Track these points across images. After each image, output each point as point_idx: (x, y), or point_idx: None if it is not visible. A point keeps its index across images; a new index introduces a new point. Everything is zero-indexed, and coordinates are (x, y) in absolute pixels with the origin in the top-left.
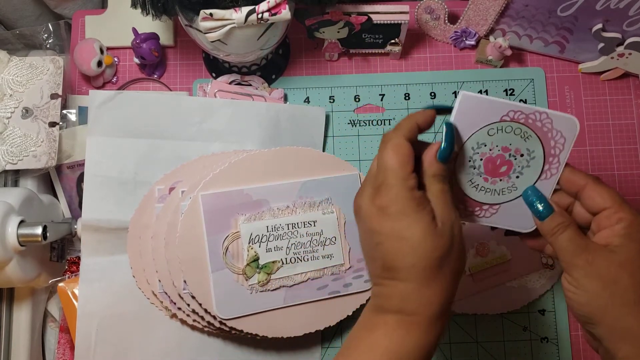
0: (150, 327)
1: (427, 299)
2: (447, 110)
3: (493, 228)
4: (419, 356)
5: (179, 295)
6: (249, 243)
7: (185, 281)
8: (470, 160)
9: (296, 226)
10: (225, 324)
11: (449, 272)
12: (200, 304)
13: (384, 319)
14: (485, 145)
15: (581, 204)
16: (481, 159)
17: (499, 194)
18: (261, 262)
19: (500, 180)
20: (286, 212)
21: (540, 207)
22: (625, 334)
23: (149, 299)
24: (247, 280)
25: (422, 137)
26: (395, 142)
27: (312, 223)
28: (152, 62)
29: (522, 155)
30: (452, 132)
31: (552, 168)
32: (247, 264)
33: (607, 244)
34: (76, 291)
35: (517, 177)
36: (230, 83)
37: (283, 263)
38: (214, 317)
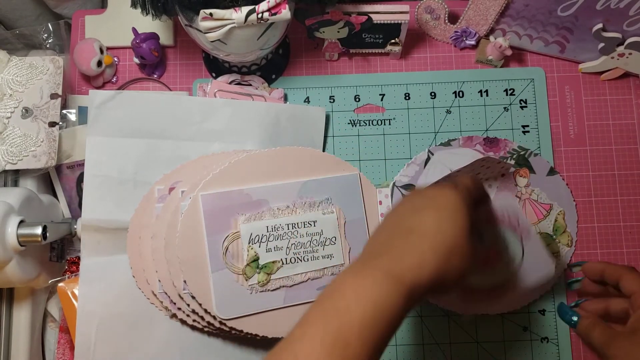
0: (150, 327)
1: (427, 273)
2: None
3: None
4: (395, 321)
5: (179, 295)
6: (249, 243)
7: (185, 281)
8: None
9: (296, 226)
10: (225, 324)
11: (454, 271)
12: (200, 304)
13: (379, 273)
14: None
15: (621, 289)
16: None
17: None
18: (261, 262)
19: None
20: (286, 212)
21: (572, 318)
22: None
23: (148, 299)
24: (247, 280)
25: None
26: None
27: (312, 223)
28: (152, 62)
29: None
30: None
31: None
32: (247, 264)
33: (634, 329)
34: (76, 291)
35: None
36: (230, 83)
37: (283, 263)
38: (214, 317)
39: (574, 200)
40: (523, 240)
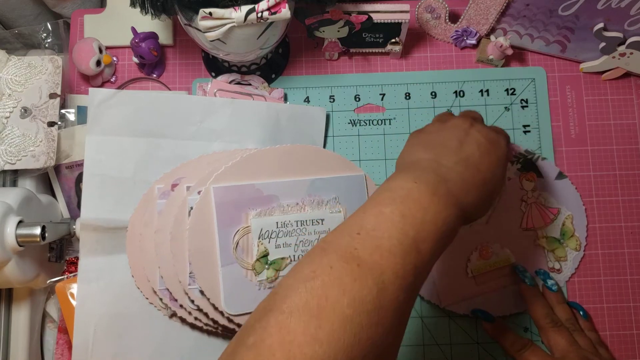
0: (149, 327)
1: (472, 199)
2: None
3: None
4: (450, 241)
5: (184, 291)
6: (259, 238)
7: (192, 275)
8: None
9: (304, 223)
10: (232, 321)
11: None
12: (208, 299)
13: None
14: None
15: None
16: None
17: None
18: (270, 258)
19: None
20: (295, 209)
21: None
22: None
23: (147, 298)
24: (256, 275)
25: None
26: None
27: (320, 221)
28: (151, 62)
29: None
30: None
31: None
32: (257, 260)
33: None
34: (74, 291)
35: None
36: (230, 82)
37: (292, 260)
38: (221, 314)
39: (584, 205)
40: None
